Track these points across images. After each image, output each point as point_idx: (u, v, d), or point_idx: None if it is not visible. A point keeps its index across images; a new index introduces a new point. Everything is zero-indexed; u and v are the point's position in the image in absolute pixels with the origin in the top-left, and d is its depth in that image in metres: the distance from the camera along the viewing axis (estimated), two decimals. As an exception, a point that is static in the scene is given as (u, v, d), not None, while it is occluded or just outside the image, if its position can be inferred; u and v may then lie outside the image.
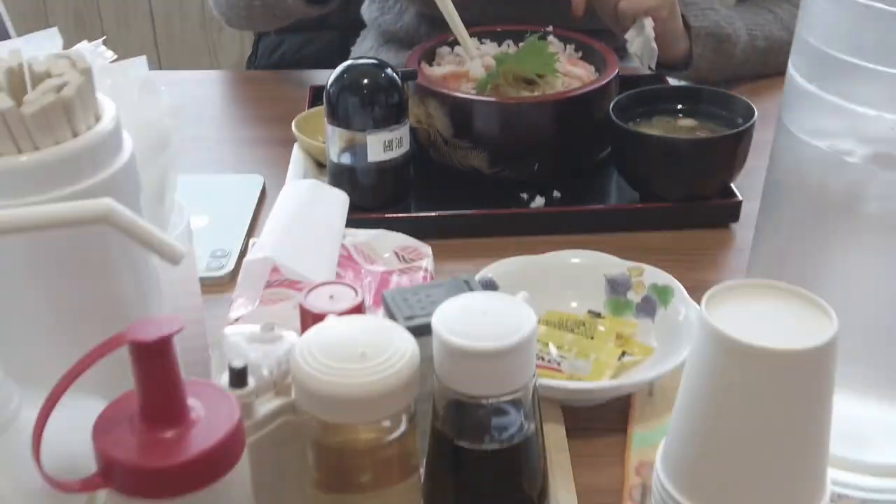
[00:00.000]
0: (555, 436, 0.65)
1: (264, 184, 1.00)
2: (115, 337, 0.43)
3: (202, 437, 0.44)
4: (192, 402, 0.46)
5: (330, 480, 0.58)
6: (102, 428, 0.45)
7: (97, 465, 0.44)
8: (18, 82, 0.48)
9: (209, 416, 0.45)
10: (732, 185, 0.93)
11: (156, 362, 0.43)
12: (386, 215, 0.90)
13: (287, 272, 0.68)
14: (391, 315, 0.60)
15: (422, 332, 0.56)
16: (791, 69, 0.57)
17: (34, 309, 0.50)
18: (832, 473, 0.59)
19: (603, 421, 0.69)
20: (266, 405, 0.56)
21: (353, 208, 0.87)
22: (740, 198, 0.91)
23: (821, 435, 0.52)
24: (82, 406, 0.47)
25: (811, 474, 0.53)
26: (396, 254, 0.79)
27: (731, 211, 0.91)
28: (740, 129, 0.89)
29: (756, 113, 0.90)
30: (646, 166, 0.92)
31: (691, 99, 0.97)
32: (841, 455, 0.60)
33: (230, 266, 0.85)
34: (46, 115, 0.46)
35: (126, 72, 0.60)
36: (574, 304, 0.77)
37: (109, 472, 0.44)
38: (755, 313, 0.52)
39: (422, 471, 0.60)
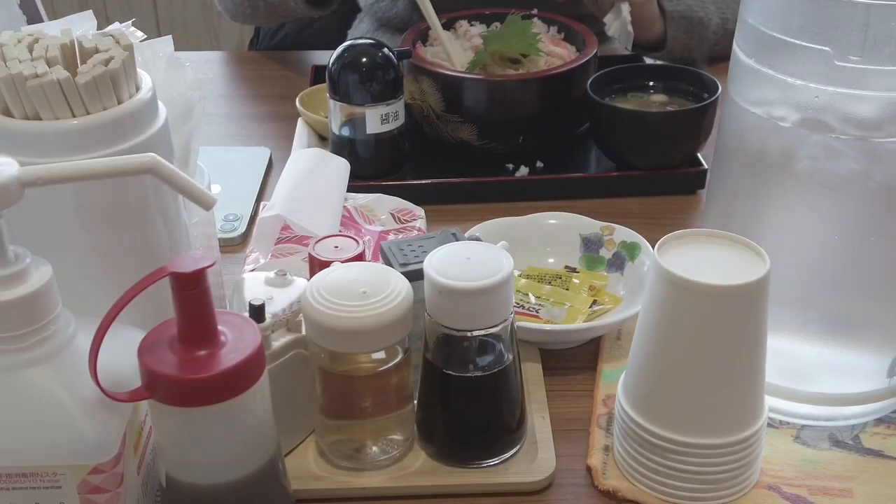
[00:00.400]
0: (532, 372, 0.74)
1: (271, 156, 1.08)
2: (158, 269, 0.51)
3: (230, 355, 0.53)
4: (221, 328, 0.54)
5: (335, 407, 0.67)
6: (146, 349, 0.53)
7: (142, 379, 0.53)
8: (70, 56, 0.57)
9: (236, 339, 0.54)
10: (699, 155, 1.02)
11: (192, 292, 0.52)
12: (383, 183, 0.98)
13: (296, 228, 0.77)
14: (388, 263, 0.69)
15: (415, 276, 0.65)
16: (735, 47, 0.66)
17: (85, 253, 0.59)
18: (774, 403, 0.68)
19: (575, 361, 0.77)
20: (280, 339, 0.64)
21: (353, 177, 0.95)
22: (706, 166, 1.00)
23: (757, 362, 0.61)
24: (127, 335, 0.56)
25: (750, 397, 0.62)
26: (393, 215, 0.88)
27: (698, 179, 1.00)
28: (705, 102, 0.97)
29: (720, 89, 0.98)
30: (620, 138, 1.01)
31: (663, 76, 1.06)
32: (782, 386, 0.69)
33: (242, 228, 0.93)
34: (97, 84, 0.55)
35: (154, 49, 0.69)
36: (551, 261, 0.86)
37: (152, 385, 0.52)
38: (701, 258, 0.61)
39: (415, 402, 0.68)
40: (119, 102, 0.57)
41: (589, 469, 0.67)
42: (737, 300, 0.58)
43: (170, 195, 0.63)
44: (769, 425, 0.68)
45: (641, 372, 0.63)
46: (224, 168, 1.04)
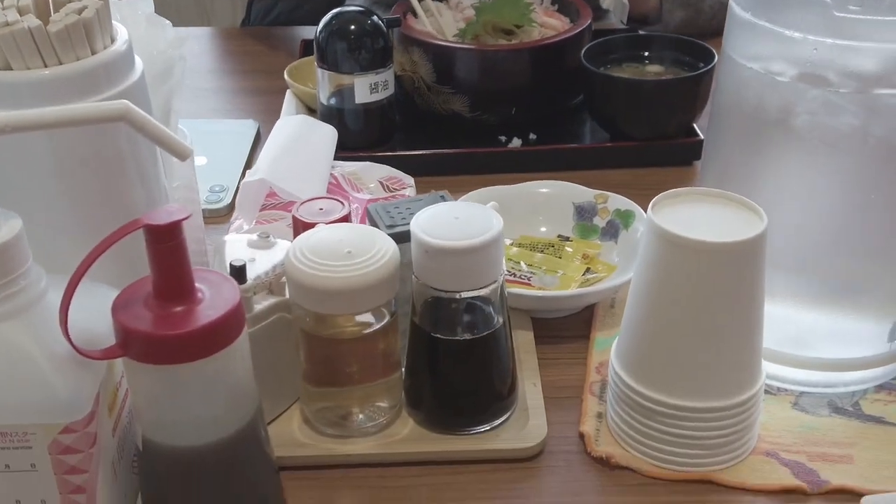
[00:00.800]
0: (524, 340, 0.72)
1: (258, 128, 1.06)
2: (132, 221, 0.49)
3: (208, 312, 0.51)
4: (198, 285, 0.52)
5: (319, 374, 0.65)
6: (120, 306, 0.51)
7: (116, 337, 0.51)
8: (43, 5, 0.55)
9: (214, 296, 0.52)
10: (695, 126, 1.00)
11: (167, 245, 0.49)
12: (372, 154, 0.96)
13: (280, 193, 0.75)
14: (374, 225, 0.67)
15: (402, 239, 0.63)
16: (731, 2, 0.64)
17: (58, 209, 0.57)
18: (772, 369, 0.66)
19: (568, 330, 0.76)
20: (262, 302, 0.62)
21: (342, 148, 0.93)
22: (702, 137, 0.98)
23: (754, 322, 0.59)
24: (101, 294, 0.54)
25: (747, 359, 0.60)
26: (381, 183, 0.86)
27: (694, 149, 0.98)
28: (700, 71, 0.95)
29: (716, 58, 0.96)
30: (614, 107, 0.99)
31: (658, 46, 1.04)
32: (780, 351, 0.67)
33: (227, 200, 0.91)
34: (69, 33, 0.53)
35: (134, 7, 0.67)
36: (544, 230, 0.84)
37: (127, 342, 0.50)
38: (696, 216, 0.59)
39: (403, 369, 0.67)
40: (93, 53, 0.55)
41: (581, 436, 0.65)
42: (733, 258, 0.56)
43: (147, 152, 0.61)
44: (766, 392, 0.66)
45: (635, 334, 0.61)
46: (210, 140, 1.02)
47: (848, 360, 0.67)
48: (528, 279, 0.78)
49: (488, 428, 0.65)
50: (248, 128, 1.06)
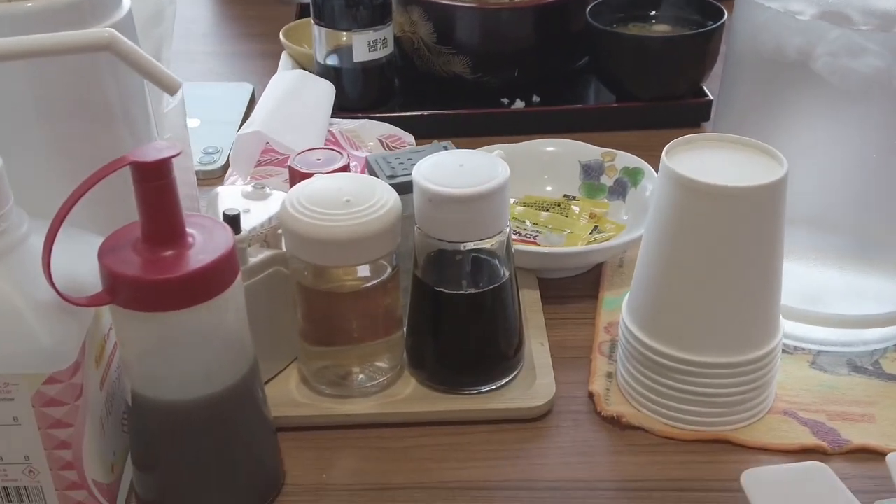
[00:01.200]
0: (530, 299, 0.69)
1: (253, 91, 1.03)
2: (119, 158, 0.46)
3: (199, 256, 0.48)
4: (190, 230, 0.49)
5: (318, 332, 0.62)
6: (107, 251, 0.48)
7: (102, 283, 0.48)
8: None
9: (206, 241, 0.49)
10: (704, 86, 0.97)
11: (156, 184, 0.47)
12: (371, 114, 0.93)
13: (276, 146, 0.72)
14: (374, 175, 0.64)
15: (404, 189, 0.60)
16: (748, -61, 0.61)
17: (41, 154, 0.54)
18: (789, 328, 0.64)
19: (575, 290, 0.73)
20: (257, 255, 0.60)
21: (339, 109, 0.90)
22: (711, 97, 0.95)
23: (772, 273, 0.56)
24: (87, 241, 0.51)
25: (765, 312, 0.57)
26: (381, 141, 0.83)
27: (703, 110, 0.95)
28: (709, 27, 0.92)
29: (726, 15, 0.93)
30: (620, 66, 0.96)
31: (666, 4, 1.00)
32: (798, 308, 0.64)
33: (221, 161, 0.88)
34: (51, -37, 0.50)
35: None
36: (549, 189, 0.81)
37: (114, 288, 0.47)
38: (713, 161, 0.56)
39: (405, 329, 0.64)
40: (77, -15, 0.52)
41: (591, 395, 0.62)
42: (753, 204, 0.54)
43: (135, 99, 0.58)
44: (783, 351, 0.63)
45: (648, 287, 0.59)
46: (204, 102, 0.99)
47: (867, 317, 0.64)
48: (534, 238, 0.76)
49: (494, 388, 0.62)
50: (243, 90, 1.03)
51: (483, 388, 0.62)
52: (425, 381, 0.62)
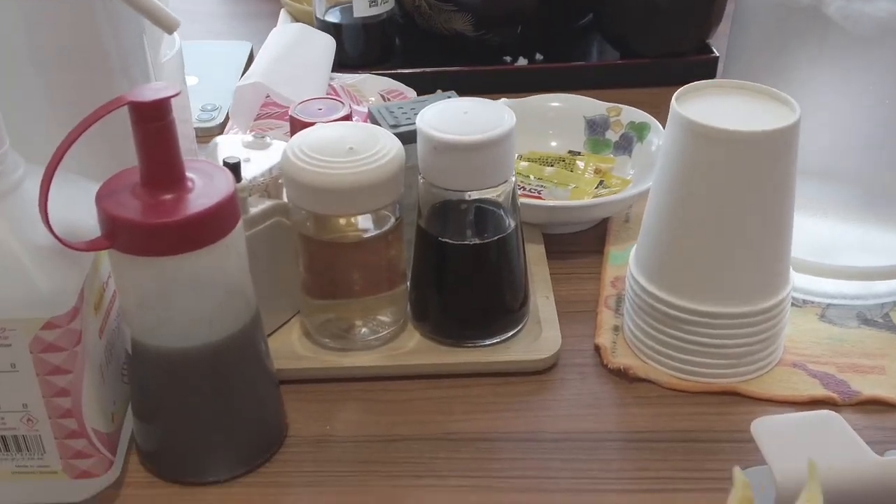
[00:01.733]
0: (535, 253, 0.68)
1: (252, 49, 1.02)
2: (116, 98, 0.45)
3: (200, 200, 0.47)
4: (190, 174, 0.48)
5: (320, 285, 0.61)
6: (105, 195, 0.47)
7: (101, 228, 0.47)
8: None
9: (206, 185, 0.48)
10: (709, 43, 0.95)
11: (154, 125, 0.46)
12: (370, 72, 0.92)
13: (277, 98, 0.71)
14: (377, 125, 0.63)
15: (407, 139, 0.59)
16: None
17: (36, 98, 0.53)
18: (798, 280, 0.63)
19: (580, 245, 0.72)
20: (258, 205, 0.58)
21: (339, 66, 0.89)
22: (717, 54, 0.94)
23: (783, 222, 0.55)
24: (85, 187, 0.50)
25: (775, 262, 0.56)
26: (382, 96, 0.82)
27: (709, 67, 0.93)
28: (716, -19, 0.91)
29: (733, -31, 0.92)
30: (625, 22, 0.94)
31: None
32: (807, 260, 0.63)
33: (220, 118, 0.87)
34: None
35: None
36: (554, 144, 0.80)
37: (113, 232, 0.46)
38: (723, 108, 0.55)
39: (408, 283, 0.63)
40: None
41: (597, 348, 0.61)
42: (764, 149, 0.53)
43: (132, 48, 0.57)
44: (792, 305, 0.62)
45: (656, 237, 0.57)
46: (202, 60, 0.97)
47: (878, 269, 0.63)
48: (539, 193, 0.74)
49: (499, 341, 0.61)
50: (242, 48, 1.02)
51: (488, 342, 0.61)
52: (429, 334, 0.61)
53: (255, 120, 0.72)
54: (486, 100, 0.59)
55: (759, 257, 0.55)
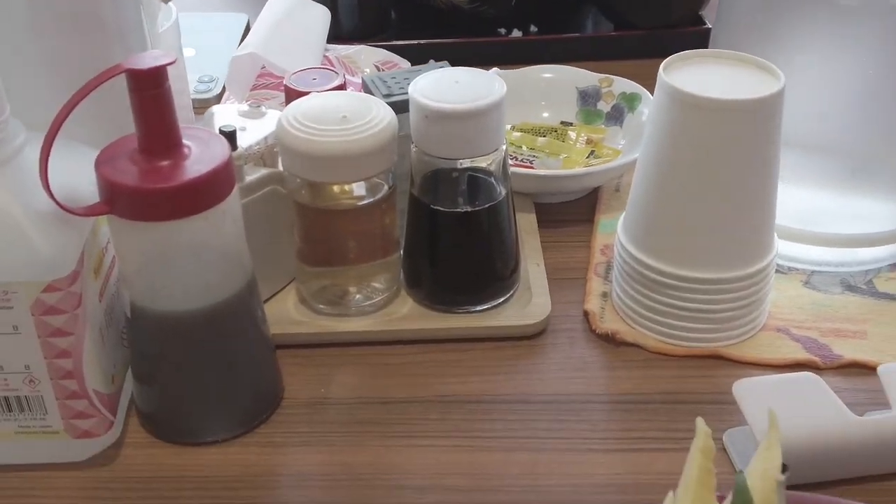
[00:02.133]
0: (526, 221, 0.70)
1: (248, 20, 1.03)
2: (113, 66, 0.46)
3: (196, 166, 0.48)
4: (187, 141, 0.49)
5: (315, 252, 0.62)
6: (104, 161, 0.48)
7: (100, 194, 0.48)
8: None
9: (202, 151, 0.49)
10: (702, 14, 0.96)
11: (151, 93, 0.47)
12: (367, 44, 0.92)
13: (273, 69, 0.72)
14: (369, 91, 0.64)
15: (400, 108, 0.60)
16: None
17: (35, 65, 0.54)
18: (783, 248, 0.64)
19: (571, 214, 0.73)
20: (254, 173, 0.60)
21: (334, 38, 0.90)
22: (709, 25, 0.95)
23: (768, 189, 0.57)
24: (84, 154, 0.51)
25: (759, 228, 0.57)
26: (377, 67, 0.83)
27: (701, 38, 0.94)
28: (709, -47, 0.92)
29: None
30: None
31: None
32: (792, 227, 0.64)
33: (217, 90, 0.88)
34: None
35: None
36: (546, 115, 0.81)
37: (112, 198, 0.48)
38: (710, 77, 0.56)
39: (401, 251, 0.64)
40: None
41: (586, 314, 0.63)
42: (748, 117, 0.54)
43: (130, 16, 0.58)
44: (777, 271, 0.64)
45: (644, 204, 0.59)
46: (200, 32, 0.98)
47: (862, 236, 0.64)
48: (531, 162, 0.76)
49: (490, 307, 0.62)
50: (239, 21, 1.03)
51: (479, 307, 0.62)
52: (422, 300, 0.63)
53: (251, 90, 0.73)
54: (478, 70, 0.60)
55: (743, 224, 0.57)
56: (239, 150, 0.58)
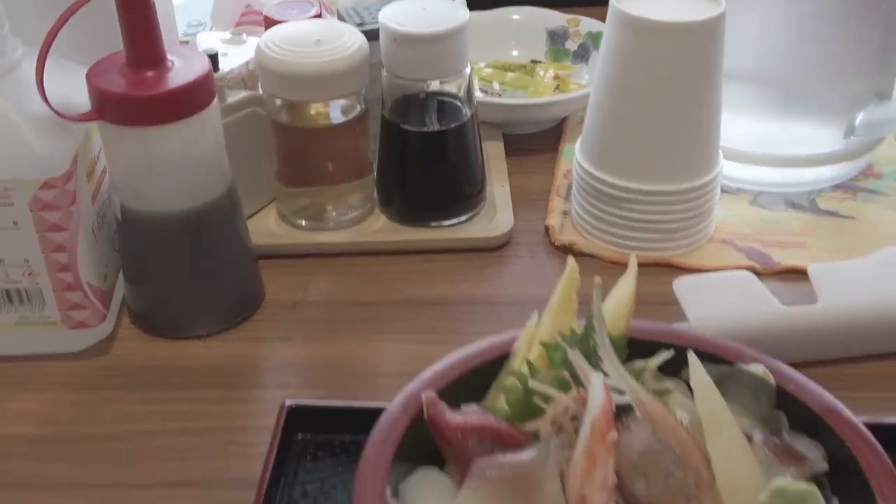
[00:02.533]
0: (494, 148, 0.74)
1: (236, -29, 1.07)
2: (103, -19, 0.50)
3: (179, 76, 0.52)
4: (171, 57, 0.54)
5: (293, 173, 0.67)
6: (95, 73, 0.53)
7: (91, 103, 0.53)
8: None
9: (185, 65, 0.53)
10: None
11: (138, 14, 0.51)
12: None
13: (255, 4, 0.76)
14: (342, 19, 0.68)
15: (372, 36, 0.65)
16: None
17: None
18: (730, 169, 0.68)
19: (538, 144, 0.78)
20: (236, 95, 0.64)
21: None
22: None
23: (712, 105, 0.61)
24: (75, 70, 0.55)
25: (705, 143, 0.62)
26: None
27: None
28: None
29: None
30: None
31: None
32: (741, 150, 0.69)
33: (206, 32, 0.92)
34: None
35: None
36: (516, 54, 0.85)
37: (102, 106, 0.52)
38: (658, 4, 0.60)
39: (375, 174, 0.68)
40: None
41: (546, 229, 0.67)
42: (692, 38, 0.58)
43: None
44: (724, 192, 0.68)
45: (599, 124, 0.63)
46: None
47: (805, 157, 0.69)
48: (500, 95, 0.80)
49: (457, 222, 0.67)
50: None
51: (447, 223, 0.67)
52: (394, 216, 0.67)
53: (236, 27, 0.77)
54: (445, -1, 0.65)
55: (689, 139, 0.61)
56: (220, 72, 0.62)
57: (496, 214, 0.67)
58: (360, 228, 0.67)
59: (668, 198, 0.62)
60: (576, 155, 0.66)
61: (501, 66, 0.83)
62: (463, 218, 0.67)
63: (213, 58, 0.62)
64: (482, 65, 0.83)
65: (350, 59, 0.61)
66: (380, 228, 0.67)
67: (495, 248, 0.66)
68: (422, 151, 0.66)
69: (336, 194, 0.67)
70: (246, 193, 0.63)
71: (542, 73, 0.83)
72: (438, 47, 0.61)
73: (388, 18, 0.62)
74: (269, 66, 0.61)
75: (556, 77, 0.82)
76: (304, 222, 0.67)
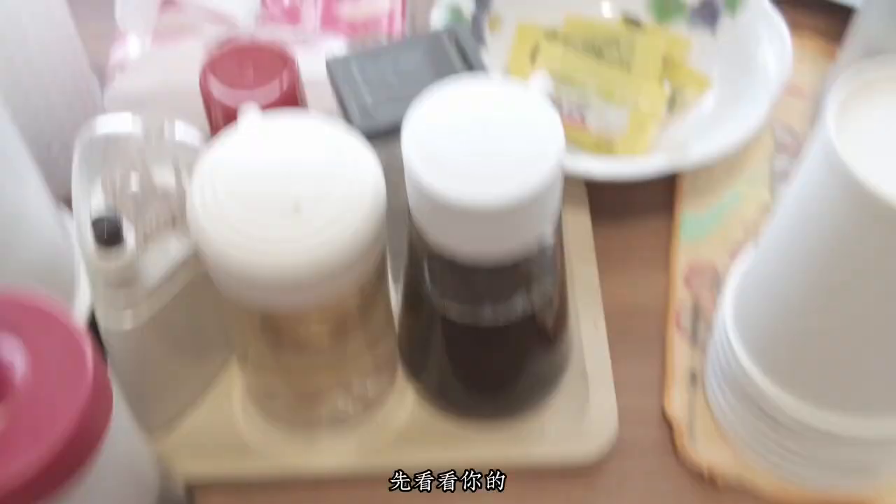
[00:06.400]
0: (577, 233, 0.48)
1: None
2: None
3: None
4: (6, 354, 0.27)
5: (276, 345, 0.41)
6: None
7: None
8: None
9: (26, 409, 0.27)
10: None
11: None
12: None
13: (192, 9, 0.46)
14: (340, 98, 0.40)
15: (388, 135, 0.37)
16: None
17: None
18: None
19: (636, 197, 0.50)
20: (162, 261, 0.37)
21: None
22: None
23: None
24: None
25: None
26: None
27: None
28: None
29: None
30: None
31: None
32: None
33: None
34: None
35: None
36: (606, 7, 0.55)
37: None
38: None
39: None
40: None
41: (667, 421, 0.43)
42: None
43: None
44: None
45: (782, 317, 0.37)
46: None
47: None
48: (582, 115, 0.51)
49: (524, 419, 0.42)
50: None
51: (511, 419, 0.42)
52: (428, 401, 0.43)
53: (156, 32, 0.47)
54: (514, 90, 0.35)
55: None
56: (127, 243, 0.35)
57: (588, 397, 0.42)
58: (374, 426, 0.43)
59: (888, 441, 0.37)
60: (724, 324, 0.40)
61: (582, 38, 0.54)
62: (534, 410, 0.42)
63: (112, 228, 0.35)
64: (552, 33, 0.54)
65: (355, 240, 0.34)
66: (403, 427, 0.42)
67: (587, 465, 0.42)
68: (474, 349, 0.40)
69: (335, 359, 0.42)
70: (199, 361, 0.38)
71: (643, 56, 0.53)
72: (506, 221, 0.34)
73: (419, 157, 0.33)
74: (216, 257, 0.34)
75: (667, 64, 0.53)
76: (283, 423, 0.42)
